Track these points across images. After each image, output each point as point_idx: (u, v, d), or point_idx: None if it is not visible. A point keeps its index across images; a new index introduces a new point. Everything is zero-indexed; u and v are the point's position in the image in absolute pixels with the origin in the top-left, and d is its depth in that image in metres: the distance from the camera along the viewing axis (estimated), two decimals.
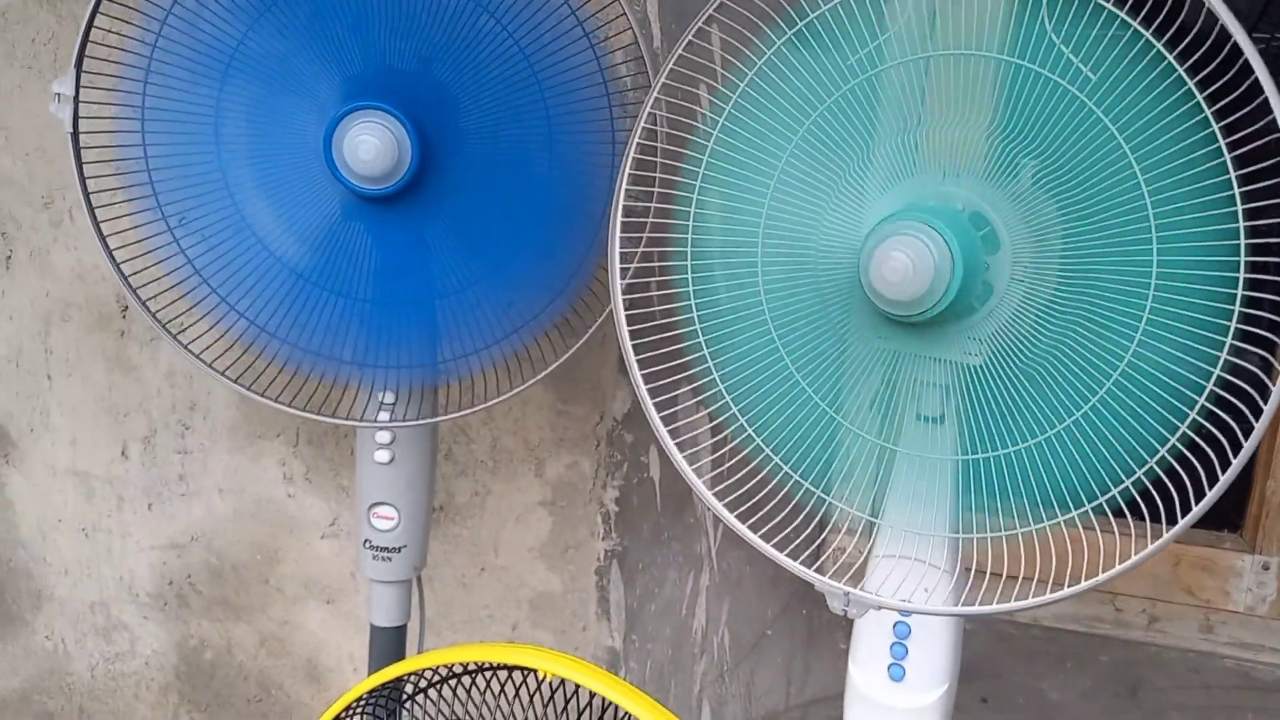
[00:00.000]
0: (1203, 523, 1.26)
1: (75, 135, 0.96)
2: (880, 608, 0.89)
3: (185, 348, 1.00)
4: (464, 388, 1.03)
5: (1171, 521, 0.80)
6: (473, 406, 1.02)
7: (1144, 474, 0.80)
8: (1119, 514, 0.81)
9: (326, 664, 1.41)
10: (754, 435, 0.85)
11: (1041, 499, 0.83)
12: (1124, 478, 0.80)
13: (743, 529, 0.86)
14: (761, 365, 0.84)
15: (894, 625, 0.93)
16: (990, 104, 0.79)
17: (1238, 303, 0.73)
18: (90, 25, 0.94)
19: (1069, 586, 0.82)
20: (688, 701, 1.33)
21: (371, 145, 0.89)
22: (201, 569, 1.43)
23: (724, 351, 0.85)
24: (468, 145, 0.95)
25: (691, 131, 0.85)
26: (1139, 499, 0.80)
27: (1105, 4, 0.73)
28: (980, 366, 0.82)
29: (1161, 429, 0.78)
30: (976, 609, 0.86)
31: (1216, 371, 0.76)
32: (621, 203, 0.86)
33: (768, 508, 0.86)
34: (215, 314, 1.00)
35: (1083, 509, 0.82)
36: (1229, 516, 1.21)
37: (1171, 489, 0.78)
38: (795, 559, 0.87)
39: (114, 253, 0.98)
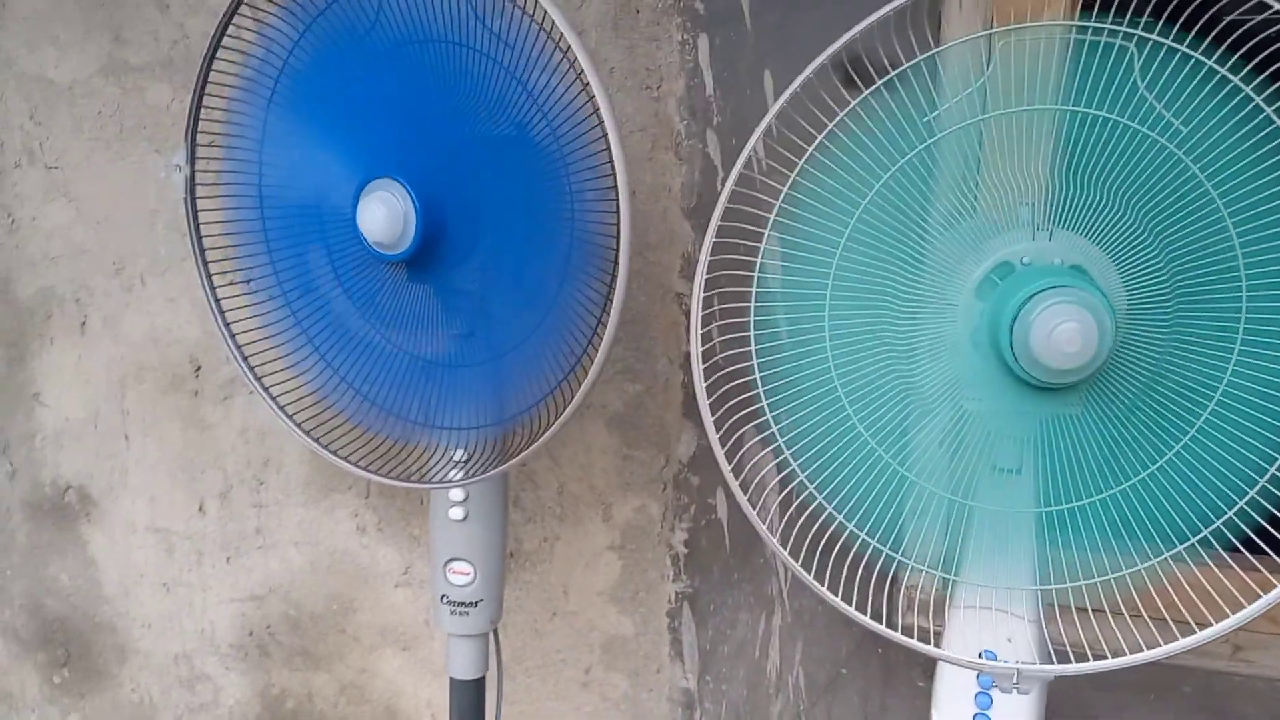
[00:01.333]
0: None
1: (192, 202, 1.00)
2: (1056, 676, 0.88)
3: (277, 406, 1.02)
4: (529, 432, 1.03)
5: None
6: (531, 443, 1.01)
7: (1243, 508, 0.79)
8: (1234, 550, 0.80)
9: (405, 710, 1.42)
10: (815, 492, 0.85)
11: (1142, 537, 0.82)
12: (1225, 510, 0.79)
13: (822, 590, 0.85)
14: (823, 416, 0.83)
15: (978, 676, 0.91)
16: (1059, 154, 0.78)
17: None
18: (199, 102, 0.97)
19: (1196, 629, 0.81)
20: None
21: (376, 215, 0.89)
22: (280, 620, 1.45)
23: (785, 401, 0.84)
24: (509, 206, 0.95)
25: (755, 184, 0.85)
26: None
27: (1192, 53, 0.72)
28: (1076, 415, 0.81)
29: (1260, 461, 0.77)
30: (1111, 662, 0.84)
31: None
32: (708, 255, 0.85)
33: (835, 560, 0.86)
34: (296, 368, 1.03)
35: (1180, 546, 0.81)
36: None
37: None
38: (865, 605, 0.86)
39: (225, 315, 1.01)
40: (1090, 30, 0.73)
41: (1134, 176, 0.76)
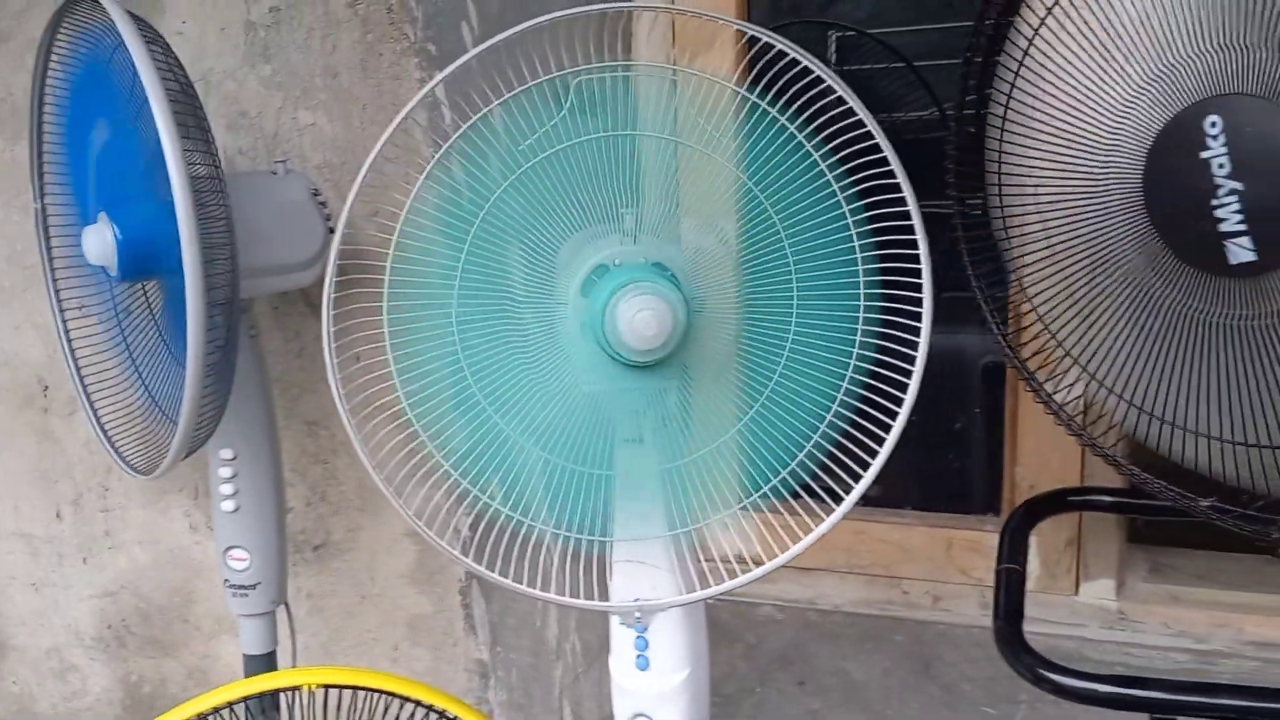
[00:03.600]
0: (968, 508, 1.36)
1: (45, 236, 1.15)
2: (669, 606, 1.00)
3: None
4: None
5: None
6: None
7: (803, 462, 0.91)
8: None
9: None
10: (470, 487, 0.97)
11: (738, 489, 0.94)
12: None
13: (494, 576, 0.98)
14: (464, 410, 0.96)
15: (635, 620, 1.03)
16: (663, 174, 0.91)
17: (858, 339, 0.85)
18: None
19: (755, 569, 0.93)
20: (551, 703, 1.44)
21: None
22: (133, 613, 1.58)
23: (425, 400, 0.97)
24: None
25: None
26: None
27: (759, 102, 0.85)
28: (670, 389, 0.93)
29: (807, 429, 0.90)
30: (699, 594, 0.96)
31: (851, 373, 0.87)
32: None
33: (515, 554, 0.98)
34: None
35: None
36: (991, 501, 1.30)
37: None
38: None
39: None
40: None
41: (706, 191, 0.88)
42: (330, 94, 1.30)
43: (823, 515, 0.91)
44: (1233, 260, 0.63)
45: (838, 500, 0.92)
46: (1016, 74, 0.75)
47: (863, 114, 0.79)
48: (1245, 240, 0.63)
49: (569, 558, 1.01)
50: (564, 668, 1.45)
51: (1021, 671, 0.89)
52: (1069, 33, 0.70)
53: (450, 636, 1.43)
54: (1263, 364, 0.67)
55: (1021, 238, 0.80)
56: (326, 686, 0.87)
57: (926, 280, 0.80)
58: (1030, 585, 1.27)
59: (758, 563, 1.38)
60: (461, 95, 1.30)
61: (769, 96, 0.87)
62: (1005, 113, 0.76)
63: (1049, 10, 0.70)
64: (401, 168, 0.96)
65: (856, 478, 0.91)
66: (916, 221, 0.79)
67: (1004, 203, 0.81)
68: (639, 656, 1.04)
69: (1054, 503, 1.05)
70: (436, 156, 0.93)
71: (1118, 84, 0.67)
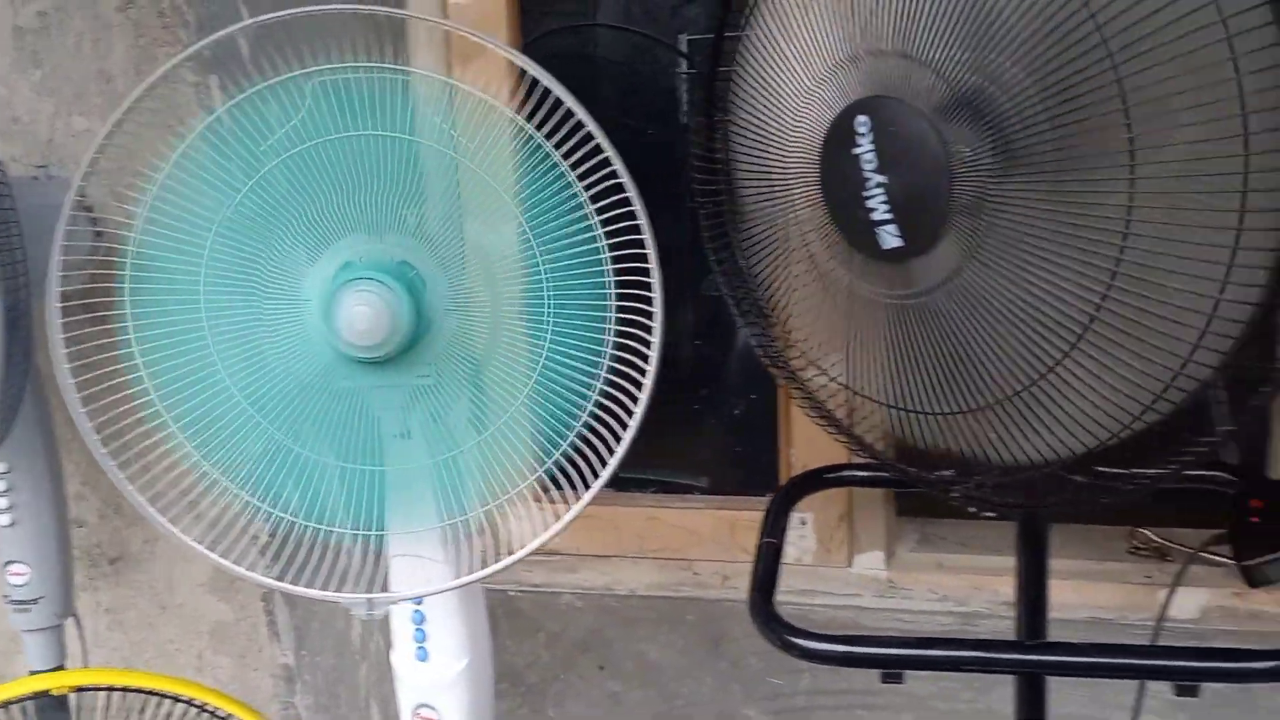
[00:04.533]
0: (751, 489, 1.42)
1: None
2: (395, 602, 1.02)
3: None
4: None
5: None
6: None
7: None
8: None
9: None
10: (236, 489, 0.98)
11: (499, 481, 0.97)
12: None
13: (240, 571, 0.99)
14: (230, 423, 0.96)
15: (412, 614, 1.06)
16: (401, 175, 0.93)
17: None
18: None
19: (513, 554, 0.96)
20: (357, 703, 1.45)
21: None
22: None
23: (188, 413, 0.97)
24: None
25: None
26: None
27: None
28: (431, 385, 0.95)
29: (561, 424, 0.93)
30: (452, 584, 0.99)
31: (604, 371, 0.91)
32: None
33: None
34: None
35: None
36: (771, 483, 1.36)
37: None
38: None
39: None
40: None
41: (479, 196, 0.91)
42: (105, 99, 1.28)
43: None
44: (884, 246, 0.69)
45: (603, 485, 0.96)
46: (732, 79, 0.80)
47: (592, 127, 0.83)
48: (892, 228, 0.69)
49: (367, 556, 1.03)
50: (369, 667, 1.46)
51: (771, 639, 0.94)
52: (761, 36, 0.75)
53: (254, 643, 1.42)
54: (917, 338, 0.73)
55: (746, 233, 0.85)
56: (79, 689, 0.86)
57: (657, 292, 0.85)
58: (809, 560, 1.34)
59: (550, 553, 1.42)
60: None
61: (528, 108, 0.90)
62: (728, 116, 0.81)
63: (746, 20, 0.76)
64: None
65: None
66: (647, 235, 0.83)
67: (736, 202, 0.86)
68: (418, 648, 1.06)
69: (812, 481, 1.11)
70: (180, 148, 0.93)
71: (797, 83, 0.73)
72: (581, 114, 0.84)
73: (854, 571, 1.32)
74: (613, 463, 0.94)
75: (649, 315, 0.88)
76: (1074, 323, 0.67)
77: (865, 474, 1.09)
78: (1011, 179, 0.66)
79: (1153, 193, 0.62)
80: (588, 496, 0.95)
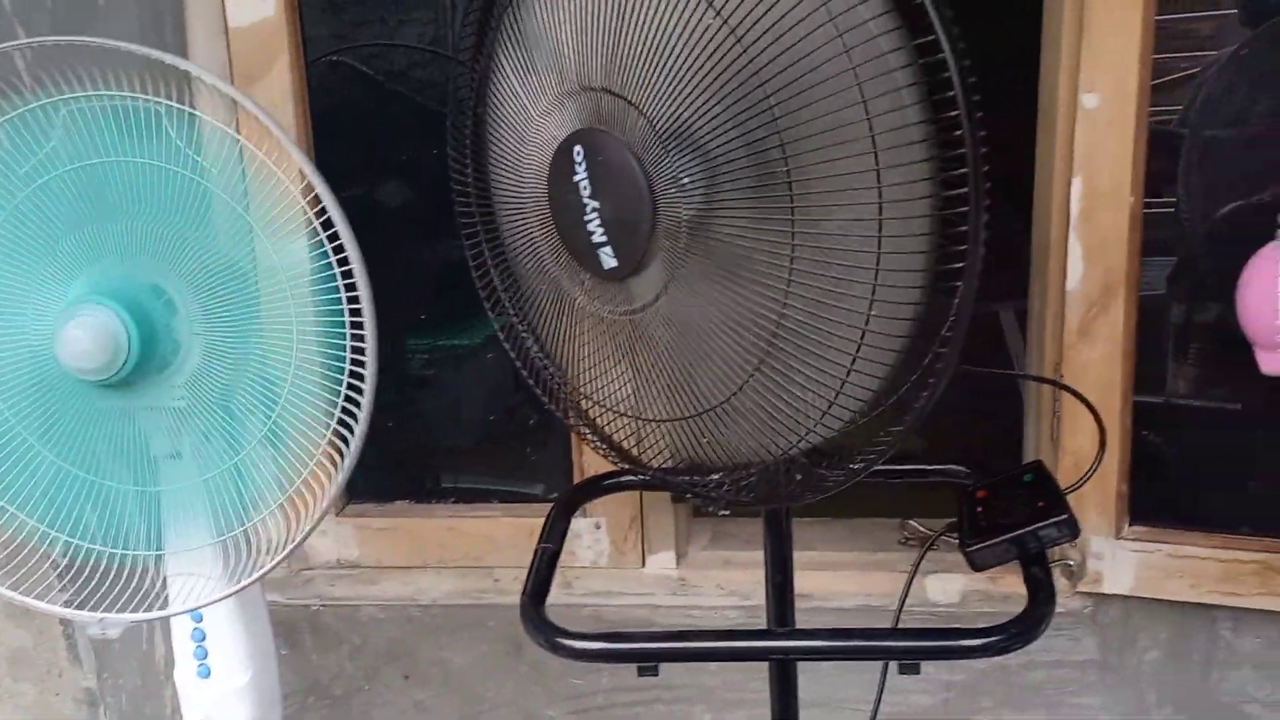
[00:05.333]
0: (538, 498, 1.46)
1: None
2: (132, 622, 1.04)
3: None
4: None
5: None
6: None
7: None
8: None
9: None
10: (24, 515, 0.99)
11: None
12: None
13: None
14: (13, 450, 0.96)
15: (192, 632, 1.07)
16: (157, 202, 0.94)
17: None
18: None
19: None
20: None
21: None
22: None
23: None
24: None
25: None
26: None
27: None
28: (185, 407, 0.97)
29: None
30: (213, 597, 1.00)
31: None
32: None
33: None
34: None
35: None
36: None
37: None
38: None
39: None
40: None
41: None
42: None
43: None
44: (605, 266, 0.75)
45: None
46: (487, 110, 0.84)
47: (318, 186, 0.87)
48: (609, 250, 0.74)
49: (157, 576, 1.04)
50: (174, 687, 1.45)
51: (540, 641, 0.98)
52: (501, 71, 0.80)
53: (54, 668, 1.41)
54: (642, 350, 0.79)
55: (504, 262, 0.90)
56: None
57: (368, 318, 0.89)
58: (604, 563, 1.39)
59: (352, 566, 1.44)
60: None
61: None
62: (481, 146, 0.85)
63: (488, 55, 0.80)
64: None
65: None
66: (360, 276, 0.87)
67: (497, 232, 0.90)
68: (200, 665, 1.07)
69: (591, 488, 1.16)
70: None
71: (529, 116, 0.78)
72: (296, 155, 0.88)
73: (647, 572, 1.37)
74: (339, 477, 0.96)
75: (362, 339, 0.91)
76: (761, 339, 0.73)
77: (635, 479, 1.14)
78: (704, 207, 0.71)
79: (807, 230, 0.69)
80: (324, 507, 0.97)
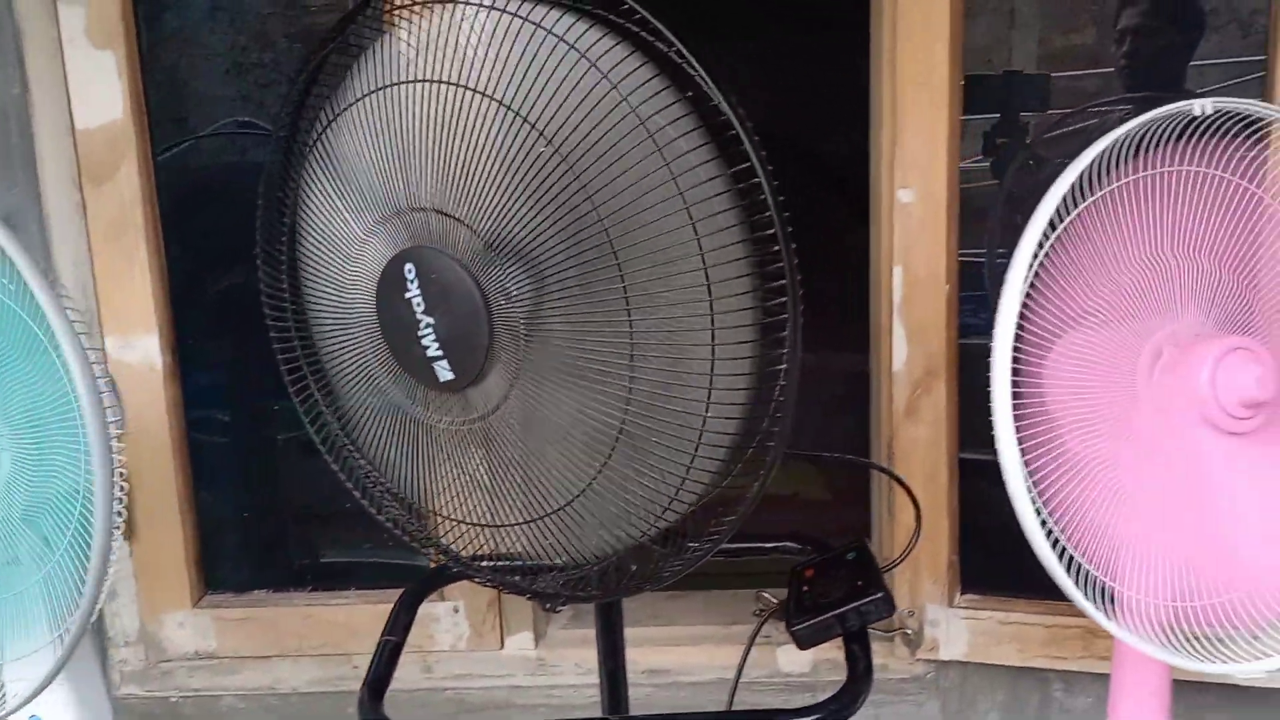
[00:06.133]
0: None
1: None
2: None
3: None
4: None
5: None
6: None
7: None
8: None
9: None
10: None
11: None
12: None
13: None
14: None
15: None
16: None
17: None
18: None
19: None
20: None
21: None
22: None
23: None
24: None
25: None
26: None
27: None
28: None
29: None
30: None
31: None
32: None
33: None
34: None
35: None
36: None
37: None
38: None
39: None
40: None
41: None
42: None
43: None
44: (441, 379, 0.77)
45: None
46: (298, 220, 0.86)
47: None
48: (444, 363, 0.77)
49: None
50: None
51: None
52: (321, 182, 0.82)
53: None
54: (476, 457, 0.81)
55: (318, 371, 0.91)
56: None
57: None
58: (464, 646, 1.40)
59: (210, 656, 1.42)
60: None
61: None
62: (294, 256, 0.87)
63: (301, 167, 0.82)
64: None
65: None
66: None
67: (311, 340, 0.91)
68: None
69: (437, 579, 1.17)
70: None
71: (351, 233, 0.80)
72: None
73: (506, 653, 1.38)
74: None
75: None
76: (605, 439, 0.77)
77: (484, 570, 1.15)
78: (542, 315, 0.75)
79: (646, 340, 0.73)
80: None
